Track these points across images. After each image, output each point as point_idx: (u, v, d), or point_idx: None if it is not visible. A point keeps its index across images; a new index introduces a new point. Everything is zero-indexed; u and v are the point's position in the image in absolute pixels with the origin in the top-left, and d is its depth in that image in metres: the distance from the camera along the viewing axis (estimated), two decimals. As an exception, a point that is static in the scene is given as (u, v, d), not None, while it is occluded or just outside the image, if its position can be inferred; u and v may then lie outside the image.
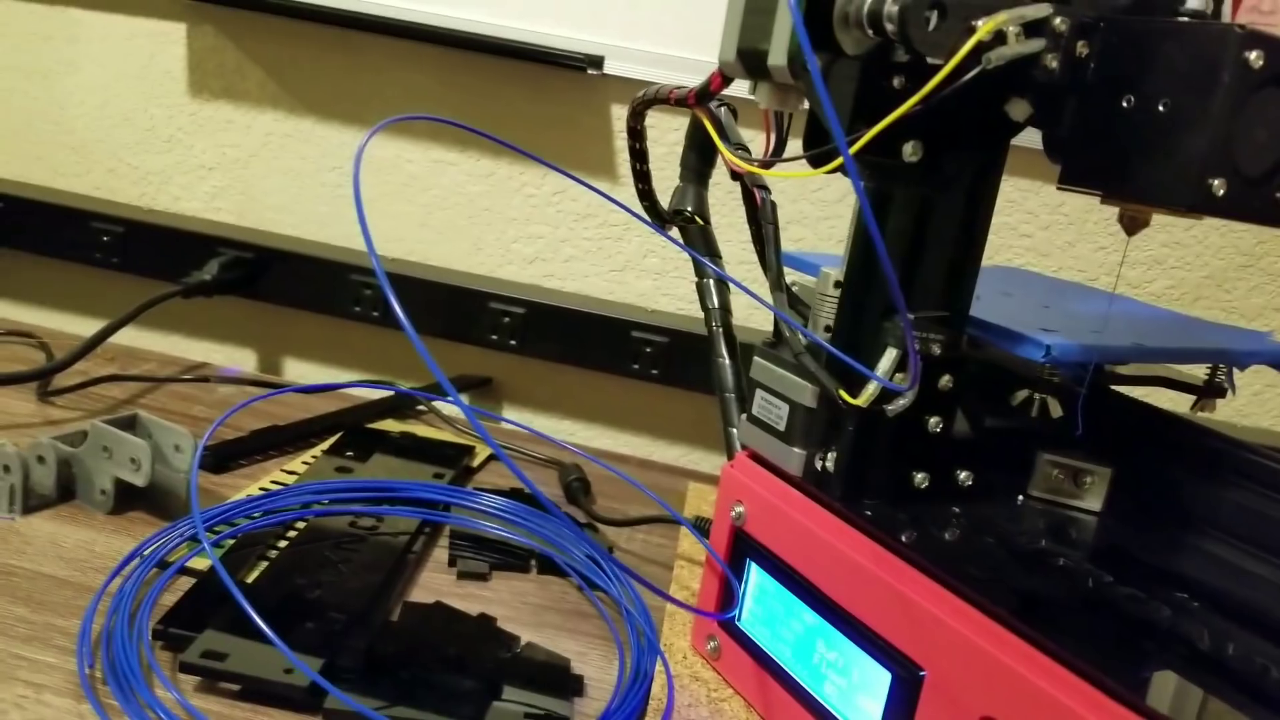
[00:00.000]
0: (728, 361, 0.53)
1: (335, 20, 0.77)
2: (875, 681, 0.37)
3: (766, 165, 0.40)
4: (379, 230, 0.83)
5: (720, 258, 0.56)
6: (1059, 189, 0.37)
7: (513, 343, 0.79)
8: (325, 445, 0.64)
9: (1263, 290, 0.76)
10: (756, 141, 0.43)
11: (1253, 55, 0.31)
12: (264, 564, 0.48)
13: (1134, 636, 0.34)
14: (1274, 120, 0.33)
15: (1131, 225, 0.37)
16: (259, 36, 0.81)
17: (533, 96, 0.79)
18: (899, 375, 0.40)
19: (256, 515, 0.52)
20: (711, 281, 0.55)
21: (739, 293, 0.48)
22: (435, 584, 0.52)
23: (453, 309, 0.80)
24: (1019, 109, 0.37)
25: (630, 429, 0.84)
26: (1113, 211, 0.37)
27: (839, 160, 0.34)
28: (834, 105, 0.35)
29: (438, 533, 0.56)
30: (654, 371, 0.79)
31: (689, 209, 0.55)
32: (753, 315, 0.71)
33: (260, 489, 0.56)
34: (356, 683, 0.41)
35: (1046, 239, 0.78)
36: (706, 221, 0.56)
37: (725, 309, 0.55)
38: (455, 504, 0.58)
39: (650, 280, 0.82)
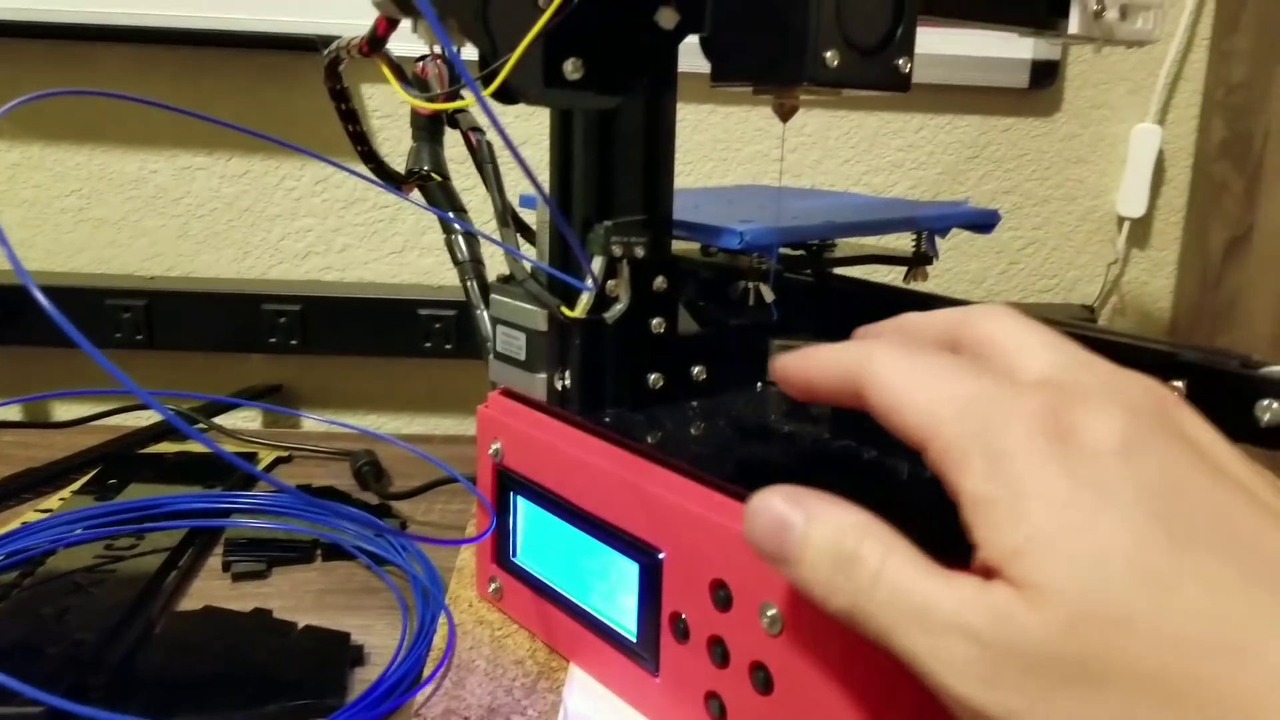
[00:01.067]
0: (484, 312, 0.54)
1: (54, 34, 0.72)
2: (627, 575, 0.38)
3: (435, 100, 0.40)
4: (134, 249, 0.79)
5: (464, 211, 0.56)
6: (712, 87, 0.39)
7: (294, 343, 0.77)
8: (83, 480, 0.61)
9: (991, 177, 0.83)
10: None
11: (847, -73, 0.34)
12: (2, 604, 0.45)
13: (840, 479, 0.36)
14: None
15: (782, 111, 0.39)
16: (-41, 64, 0.76)
17: (279, 87, 0.76)
18: (611, 282, 0.41)
19: (-1, 557, 0.49)
20: (459, 236, 0.55)
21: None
22: (208, 591, 0.50)
23: (226, 319, 0.77)
24: (666, 16, 0.38)
25: (434, 410, 0.84)
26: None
27: (489, 91, 0.35)
28: (501, 31, 0.36)
29: (212, 543, 0.54)
30: (448, 347, 0.78)
31: (425, 167, 0.55)
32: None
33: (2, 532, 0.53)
34: (109, 698, 0.39)
35: (796, 160, 0.82)
36: (445, 177, 0.56)
37: (477, 260, 0.55)
38: (230, 509, 0.56)
39: (433, 257, 0.81)
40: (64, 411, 0.82)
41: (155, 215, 0.79)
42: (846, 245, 0.52)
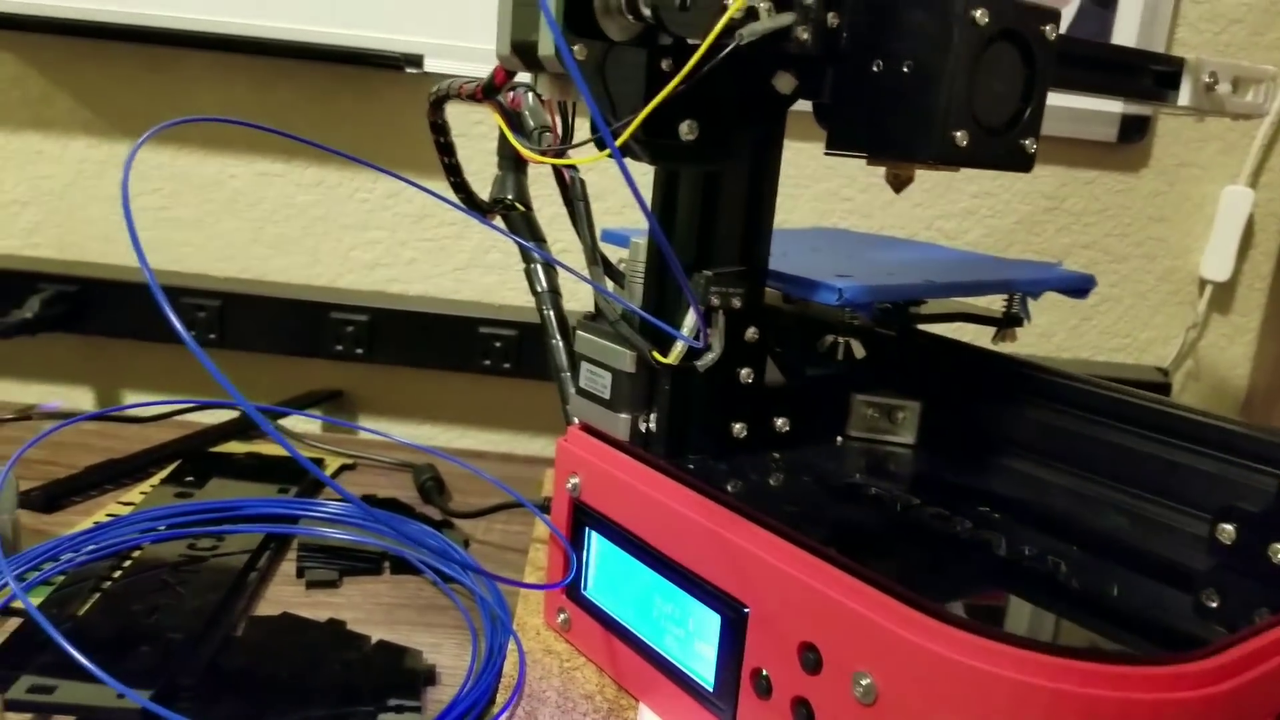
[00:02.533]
0: (560, 342, 0.54)
1: (143, 38, 0.74)
2: (708, 626, 0.38)
3: (556, 154, 0.41)
4: (209, 250, 0.81)
5: (545, 241, 0.57)
6: (826, 154, 0.39)
7: (359, 351, 0.78)
8: (164, 474, 0.62)
9: (1069, 230, 0.82)
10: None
11: (978, 13, 0.34)
12: (97, 596, 0.47)
13: (936, 550, 0.36)
14: (1007, 73, 0.35)
15: (896, 182, 0.39)
16: (64, 61, 0.77)
17: (355, 100, 0.78)
18: (707, 330, 0.41)
19: (89, 549, 0.50)
20: (539, 266, 0.56)
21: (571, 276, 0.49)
22: (283, 597, 0.50)
23: (295, 324, 0.78)
24: (784, 82, 0.39)
25: (489, 426, 0.84)
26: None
27: (606, 151, 0.35)
28: (619, 91, 0.37)
29: (285, 547, 0.55)
30: (506, 365, 0.79)
31: (509, 196, 0.56)
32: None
33: (94, 523, 0.54)
34: (196, 701, 0.40)
35: (866, 201, 0.81)
36: (528, 207, 0.56)
37: (554, 291, 0.56)
38: (302, 516, 0.56)
39: (495, 275, 0.82)
40: (135, 400, 0.83)
41: (231, 218, 0.80)
42: (936, 302, 0.52)
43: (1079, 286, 0.49)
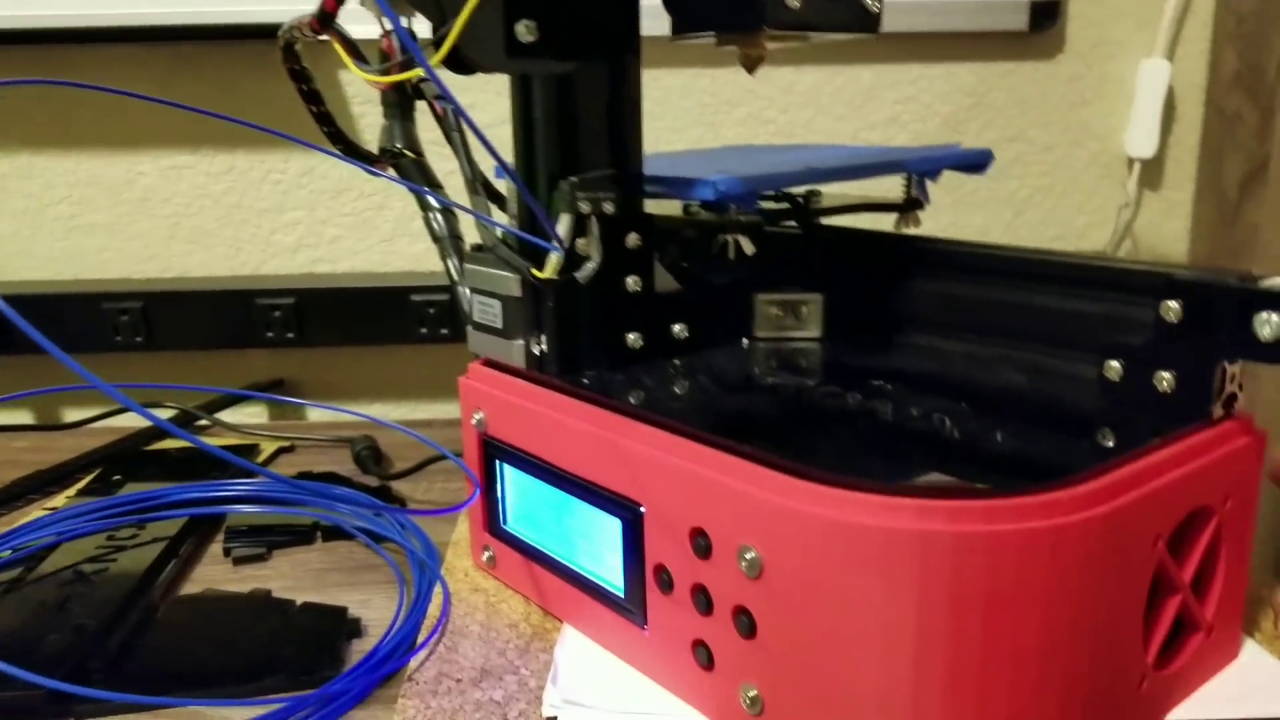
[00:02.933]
0: (465, 288, 0.53)
1: (32, 39, 0.72)
2: (611, 533, 0.37)
3: (388, 73, 0.40)
4: (128, 253, 0.79)
5: (440, 187, 0.55)
6: (672, 40, 0.38)
7: (290, 336, 0.77)
8: (89, 478, 0.61)
9: (993, 125, 0.80)
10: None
11: None
12: (4, 594, 0.46)
13: (821, 424, 0.35)
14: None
15: (748, 62, 0.38)
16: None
17: (258, 77, 0.76)
18: (580, 241, 0.40)
19: (3, 554, 0.49)
20: (437, 213, 0.55)
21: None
22: (209, 577, 0.50)
23: (221, 317, 0.77)
24: (623, -30, 0.37)
25: (435, 395, 0.83)
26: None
27: (443, 52, 0.34)
28: (444, 3, 0.35)
29: (214, 531, 0.54)
30: (444, 331, 0.78)
31: (398, 144, 0.55)
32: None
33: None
34: (110, 680, 0.39)
35: (788, 121, 0.80)
36: (419, 153, 0.55)
37: (456, 237, 0.54)
38: (227, 498, 0.55)
39: (423, 243, 0.80)
40: (72, 415, 0.82)
41: (145, 217, 0.79)
42: (834, 196, 0.51)
43: (975, 162, 0.48)
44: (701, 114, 0.80)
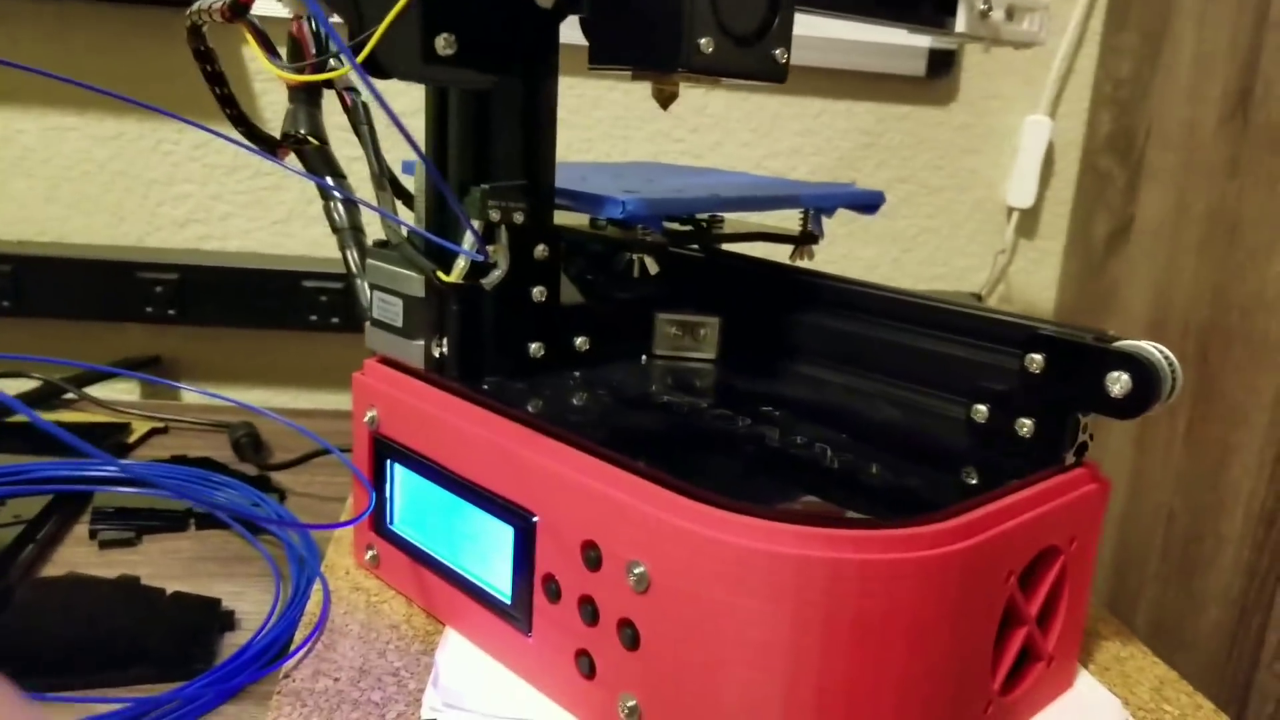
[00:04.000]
0: (364, 281, 0.52)
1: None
2: (502, 540, 0.38)
3: (304, 71, 0.39)
4: (1, 213, 0.75)
5: (344, 177, 0.55)
6: (590, 70, 0.38)
7: (171, 313, 0.74)
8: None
9: (887, 165, 0.84)
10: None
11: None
12: None
13: (710, 445, 0.37)
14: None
15: (661, 97, 0.39)
16: None
17: (158, 46, 0.73)
18: (490, 248, 0.40)
19: None
20: (338, 203, 0.54)
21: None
22: (73, 559, 0.48)
23: (99, 287, 0.73)
24: (544, -4, 0.38)
25: (322, 384, 0.82)
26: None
27: (348, 68, 0.34)
28: (369, 4, 0.35)
29: (80, 511, 0.52)
30: (334, 320, 0.76)
31: (302, 130, 0.54)
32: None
33: None
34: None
35: (697, 141, 0.82)
36: (323, 141, 0.54)
37: (356, 228, 0.53)
38: (100, 477, 0.53)
39: (319, 227, 0.78)
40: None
41: (21, 177, 0.74)
42: (735, 223, 0.53)
43: (868, 202, 0.51)
44: (614, 126, 0.81)
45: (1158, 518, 0.74)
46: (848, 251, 0.86)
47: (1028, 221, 0.87)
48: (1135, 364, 0.33)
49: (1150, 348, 0.33)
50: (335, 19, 0.40)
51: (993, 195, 0.86)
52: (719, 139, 0.82)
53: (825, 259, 0.51)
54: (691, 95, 0.81)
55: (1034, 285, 0.89)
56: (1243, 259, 0.66)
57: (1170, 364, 0.33)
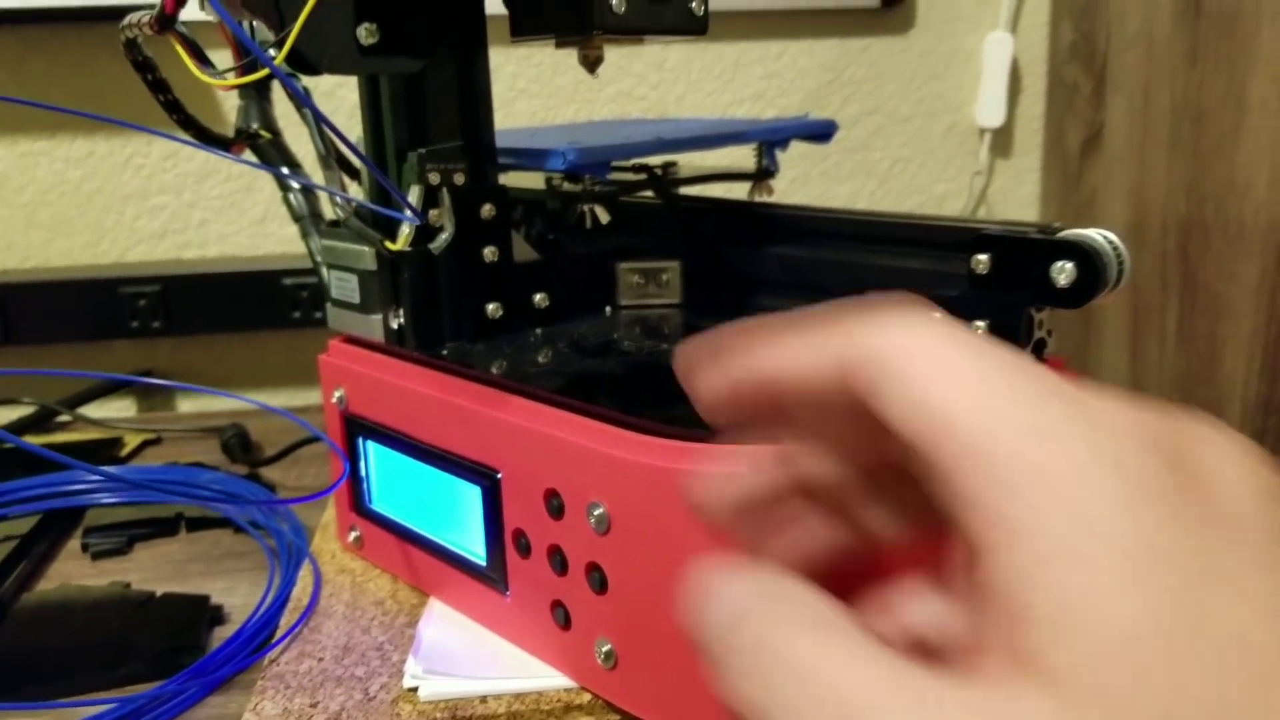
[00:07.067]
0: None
1: None
2: (472, 501, 0.38)
3: (227, 76, 0.39)
4: (-23, 244, 0.76)
5: (299, 166, 0.55)
6: (513, 42, 0.38)
7: (157, 325, 0.75)
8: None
9: (853, 99, 0.83)
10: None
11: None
12: None
13: (666, 382, 0.36)
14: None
15: (587, 62, 0.38)
16: None
17: (116, 61, 0.73)
18: (433, 212, 0.40)
19: None
20: (296, 193, 0.54)
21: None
22: (66, 572, 0.48)
23: (84, 307, 0.74)
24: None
25: (311, 381, 0.82)
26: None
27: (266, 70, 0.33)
28: (282, 5, 0.35)
29: (73, 526, 0.53)
30: (318, 314, 0.76)
31: (254, 125, 0.54)
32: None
33: None
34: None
35: (660, 96, 0.81)
36: (275, 133, 0.54)
37: (316, 215, 0.54)
38: (88, 489, 0.54)
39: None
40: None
41: (0, 206, 0.75)
42: (690, 166, 0.52)
43: (819, 131, 0.50)
44: (575, 91, 0.80)
45: (1159, 423, 0.73)
46: (824, 190, 0.85)
47: (1001, 141, 0.86)
48: (1078, 251, 0.32)
49: (1095, 234, 0.33)
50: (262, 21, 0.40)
51: (963, 118, 0.85)
52: (682, 91, 0.81)
53: (800, 198, 0.51)
54: (649, 50, 0.80)
55: (1014, 203, 0.87)
56: (1209, 148, 0.65)
57: (1116, 249, 0.33)
